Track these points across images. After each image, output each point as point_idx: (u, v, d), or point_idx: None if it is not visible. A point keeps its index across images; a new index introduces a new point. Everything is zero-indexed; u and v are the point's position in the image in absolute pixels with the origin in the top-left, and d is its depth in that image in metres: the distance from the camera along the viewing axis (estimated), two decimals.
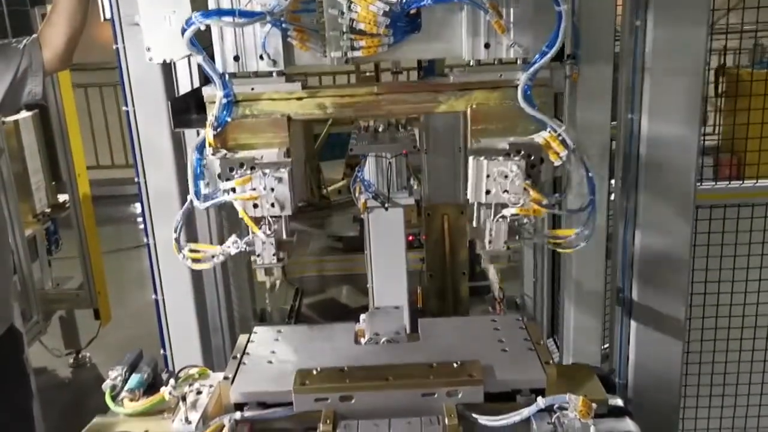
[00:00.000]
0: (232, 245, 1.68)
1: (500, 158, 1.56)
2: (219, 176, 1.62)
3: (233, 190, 1.60)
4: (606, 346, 2.38)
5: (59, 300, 4.02)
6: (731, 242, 2.56)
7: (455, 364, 1.57)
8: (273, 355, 1.71)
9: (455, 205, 3.45)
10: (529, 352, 1.68)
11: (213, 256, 1.72)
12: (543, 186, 1.61)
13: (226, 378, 1.63)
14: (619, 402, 1.68)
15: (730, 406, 2.52)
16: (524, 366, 1.63)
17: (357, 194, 2.83)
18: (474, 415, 1.52)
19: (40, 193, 3.87)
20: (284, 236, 1.69)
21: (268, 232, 1.65)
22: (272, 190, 1.59)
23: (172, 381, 1.65)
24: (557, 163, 1.57)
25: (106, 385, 1.68)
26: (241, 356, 1.71)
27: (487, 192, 1.58)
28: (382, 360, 1.65)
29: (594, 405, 1.47)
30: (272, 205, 1.60)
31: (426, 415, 1.50)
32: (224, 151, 1.62)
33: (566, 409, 1.49)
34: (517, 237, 1.70)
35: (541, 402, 1.49)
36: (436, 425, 1.48)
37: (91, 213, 4.02)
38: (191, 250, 1.72)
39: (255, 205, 1.61)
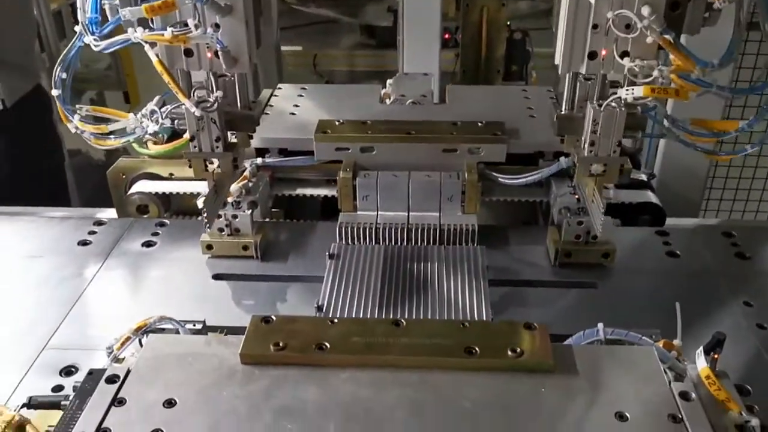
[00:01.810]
0: (150, 118, 1.16)
1: None
2: None
3: (144, 23, 1.03)
4: None
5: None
6: None
7: (480, 123, 1.54)
8: (296, 108, 1.69)
9: None
10: None
11: (120, 133, 1.20)
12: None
13: None
14: (643, 176, 1.66)
15: (758, 189, 2.50)
16: (551, 130, 1.59)
17: None
18: (494, 174, 1.51)
19: None
20: (239, 107, 1.24)
21: (209, 100, 1.14)
22: (216, 27, 1.06)
23: None
24: (719, 4, 0.99)
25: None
26: (264, 108, 1.69)
27: (592, 56, 1.03)
28: (406, 118, 1.62)
29: None
30: (216, 54, 1.07)
31: (446, 171, 1.49)
32: None
33: None
34: (639, 134, 1.19)
35: (563, 161, 1.46)
36: (456, 180, 1.47)
37: None
38: (86, 118, 1.20)
39: (188, 52, 1.09)
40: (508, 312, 1.29)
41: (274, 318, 1.01)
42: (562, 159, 1.46)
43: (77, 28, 1.08)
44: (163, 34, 1.02)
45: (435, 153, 1.51)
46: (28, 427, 0.92)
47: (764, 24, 1.05)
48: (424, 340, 0.96)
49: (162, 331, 1.08)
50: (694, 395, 0.88)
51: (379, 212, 1.48)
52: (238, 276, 1.41)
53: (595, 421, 0.85)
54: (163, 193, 1.62)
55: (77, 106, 1.19)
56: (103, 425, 0.85)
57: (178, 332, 1.09)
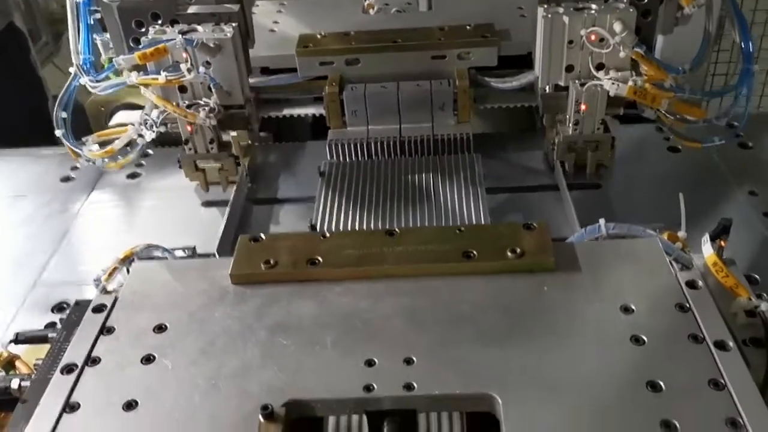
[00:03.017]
0: (146, 126, 1.16)
1: (592, 7, 1.04)
2: (123, 34, 1.10)
3: (138, 68, 1.06)
4: None
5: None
6: None
7: (468, 27, 1.47)
8: (276, 25, 1.62)
9: None
10: None
11: (126, 148, 1.23)
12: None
13: None
14: None
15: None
16: None
17: None
18: (486, 79, 1.45)
19: None
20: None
21: (202, 117, 1.15)
22: (207, 64, 1.09)
23: None
24: (689, 9, 1.04)
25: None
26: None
27: (569, 69, 1.10)
28: (391, 27, 1.55)
29: None
30: (209, 88, 1.11)
31: (436, 79, 1.43)
32: None
33: None
34: (620, 110, 1.20)
35: None
36: (447, 87, 1.41)
37: None
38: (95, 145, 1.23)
39: (182, 89, 1.12)
40: (507, 218, 1.25)
41: (262, 236, 0.97)
42: None
43: (72, 69, 1.12)
44: (157, 78, 1.05)
45: (423, 61, 1.44)
46: (17, 363, 0.90)
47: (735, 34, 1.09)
48: (419, 247, 0.93)
49: (151, 259, 1.04)
50: (701, 283, 0.84)
51: (369, 126, 1.42)
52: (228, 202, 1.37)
53: (599, 316, 0.82)
54: None
55: (83, 138, 1.24)
56: (93, 354, 0.82)
57: (167, 260, 1.06)
